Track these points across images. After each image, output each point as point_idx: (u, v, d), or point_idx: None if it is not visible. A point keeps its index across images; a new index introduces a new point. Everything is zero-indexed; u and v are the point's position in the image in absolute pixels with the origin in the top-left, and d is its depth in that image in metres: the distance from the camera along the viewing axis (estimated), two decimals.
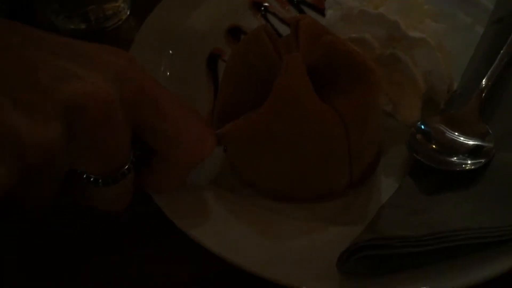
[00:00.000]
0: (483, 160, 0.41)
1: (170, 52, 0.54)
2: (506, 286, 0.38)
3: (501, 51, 0.47)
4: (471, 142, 0.42)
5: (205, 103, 0.50)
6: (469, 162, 0.41)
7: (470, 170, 0.41)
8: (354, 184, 0.42)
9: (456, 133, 0.43)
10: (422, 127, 0.43)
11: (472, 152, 0.42)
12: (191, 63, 0.53)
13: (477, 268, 0.36)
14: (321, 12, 0.55)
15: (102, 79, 0.31)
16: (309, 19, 0.41)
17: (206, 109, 0.50)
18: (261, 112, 0.37)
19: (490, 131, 0.42)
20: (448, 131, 0.43)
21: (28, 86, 0.29)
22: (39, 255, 0.42)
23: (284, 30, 0.56)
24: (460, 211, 0.38)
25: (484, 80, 0.46)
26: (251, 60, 0.40)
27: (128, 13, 0.62)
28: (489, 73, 0.46)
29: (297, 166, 0.39)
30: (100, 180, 0.33)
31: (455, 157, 0.41)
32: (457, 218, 0.37)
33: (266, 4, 0.59)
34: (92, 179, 0.33)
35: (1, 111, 0.28)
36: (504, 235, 0.37)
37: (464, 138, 0.43)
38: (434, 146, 0.42)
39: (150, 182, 0.38)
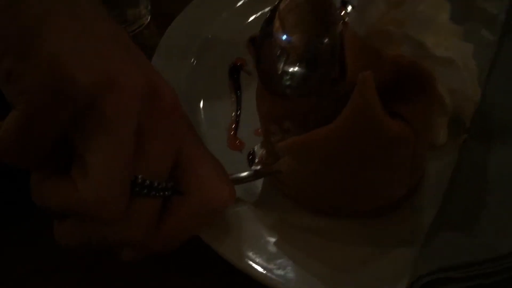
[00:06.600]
0: None
1: (193, 60, 0.54)
2: None
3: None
4: None
5: (228, 113, 0.50)
6: None
7: None
8: (408, 195, 0.42)
9: None
10: None
11: None
12: (213, 73, 0.54)
13: None
14: None
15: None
16: (351, 31, 0.41)
17: (228, 119, 0.50)
18: (334, 127, 0.37)
19: None
20: None
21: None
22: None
23: None
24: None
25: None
26: None
27: (149, 19, 0.62)
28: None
29: (364, 179, 0.39)
30: (155, 184, 0.32)
31: None
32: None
33: None
34: (147, 183, 0.32)
35: None
36: None
37: None
38: None
39: (165, 229, 0.35)
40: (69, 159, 0.32)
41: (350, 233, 0.41)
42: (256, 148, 0.47)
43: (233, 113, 0.51)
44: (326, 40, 0.40)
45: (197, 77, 0.53)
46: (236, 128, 0.49)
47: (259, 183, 0.44)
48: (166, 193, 0.34)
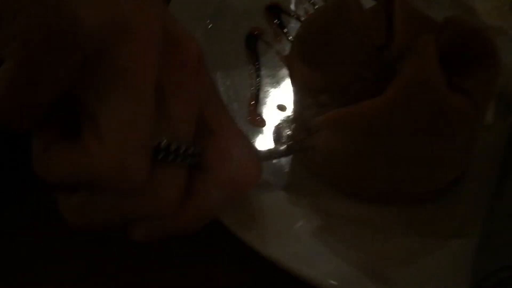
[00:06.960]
0: None
1: (208, 24, 0.48)
2: None
3: None
4: None
5: (246, 87, 0.45)
6: None
7: None
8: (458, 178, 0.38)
9: None
10: None
11: None
12: (228, 43, 0.48)
13: None
14: None
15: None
16: None
17: (247, 92, 0.45)
18: (385, 99, 0.32)
19: None
20: None
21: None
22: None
23: None
24: None
25: None
26: (337, 33, 0.35)
27: None
28: None
29: (416, 159, 0.34)
30: (183, 148, 0.27)
31: None
32: None
33: None
34: (172, 148, 0.27)
35: None
36: None
37: None
38: None
39: (190, 206, 0.30)
40: (78, 120, 0.27)
41: (394, 222, 0.36)
42: (281, 123, 0.42)
43: (252, 87, 0.45)
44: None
45: (211, 45, 0.47)
46: (256, 103, 0.44)
47: (286, 163, 0.39)
48: (195, 159, 0.29)
